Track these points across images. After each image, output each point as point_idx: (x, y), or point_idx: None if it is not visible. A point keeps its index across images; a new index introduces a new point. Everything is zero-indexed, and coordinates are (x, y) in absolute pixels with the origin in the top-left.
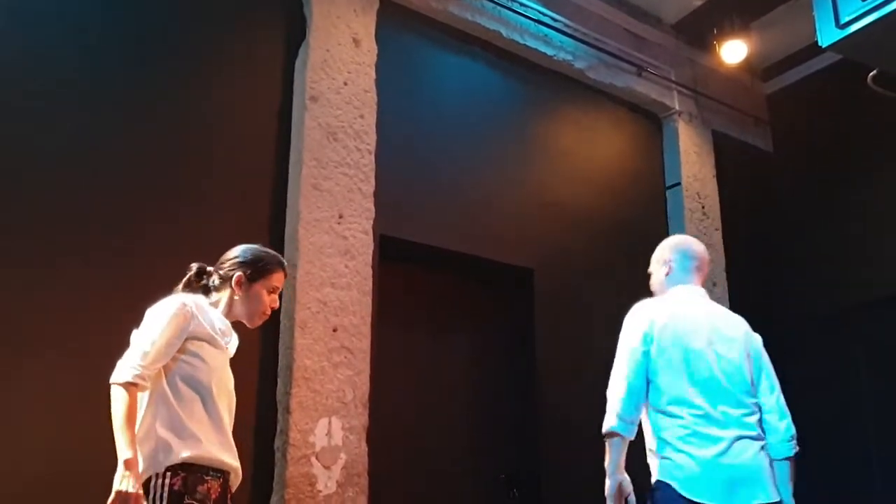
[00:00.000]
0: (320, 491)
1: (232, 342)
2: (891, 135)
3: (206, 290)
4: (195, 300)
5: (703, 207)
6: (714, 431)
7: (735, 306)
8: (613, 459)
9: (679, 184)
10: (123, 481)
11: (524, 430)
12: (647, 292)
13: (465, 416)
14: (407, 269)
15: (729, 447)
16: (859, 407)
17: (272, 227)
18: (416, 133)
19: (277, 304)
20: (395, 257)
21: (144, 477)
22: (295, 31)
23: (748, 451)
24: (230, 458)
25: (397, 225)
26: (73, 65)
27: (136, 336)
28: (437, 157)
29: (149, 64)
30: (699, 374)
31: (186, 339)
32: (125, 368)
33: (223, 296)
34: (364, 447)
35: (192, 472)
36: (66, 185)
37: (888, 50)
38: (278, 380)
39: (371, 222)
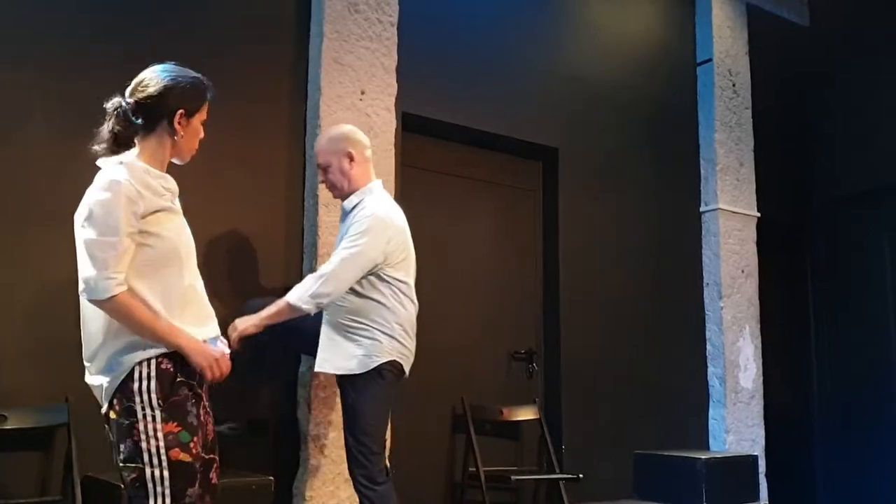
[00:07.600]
0: None
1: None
2: None
3: (131, 135)
4: (129, 170)
5: (733, 85)
6: None
7: (761, 186)
8: None
9: (710, 60)
10: (200, 357)
11: (545, 307)
12: (671, 171)
13: (487, 292)
14: (430, 148)
15: None
16: (882, 286)
17: (293, 103)
18: (439, 4)
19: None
20: (418, 135)
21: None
22: None
23: None
24: (211, 330)
25: (420, 102)
26: None
27: (89, 240)
28: (461, 30)
29: None
30: None
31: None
32: (101, 283)
33: (157, 141)
34: None
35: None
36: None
37: None
38: (304, 256)
39: (393, 99)
